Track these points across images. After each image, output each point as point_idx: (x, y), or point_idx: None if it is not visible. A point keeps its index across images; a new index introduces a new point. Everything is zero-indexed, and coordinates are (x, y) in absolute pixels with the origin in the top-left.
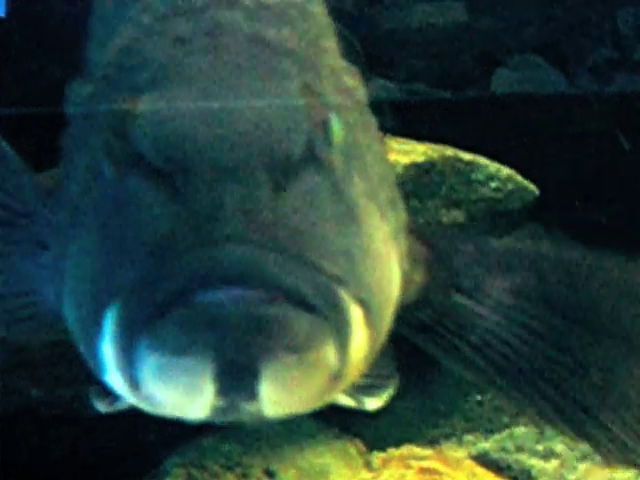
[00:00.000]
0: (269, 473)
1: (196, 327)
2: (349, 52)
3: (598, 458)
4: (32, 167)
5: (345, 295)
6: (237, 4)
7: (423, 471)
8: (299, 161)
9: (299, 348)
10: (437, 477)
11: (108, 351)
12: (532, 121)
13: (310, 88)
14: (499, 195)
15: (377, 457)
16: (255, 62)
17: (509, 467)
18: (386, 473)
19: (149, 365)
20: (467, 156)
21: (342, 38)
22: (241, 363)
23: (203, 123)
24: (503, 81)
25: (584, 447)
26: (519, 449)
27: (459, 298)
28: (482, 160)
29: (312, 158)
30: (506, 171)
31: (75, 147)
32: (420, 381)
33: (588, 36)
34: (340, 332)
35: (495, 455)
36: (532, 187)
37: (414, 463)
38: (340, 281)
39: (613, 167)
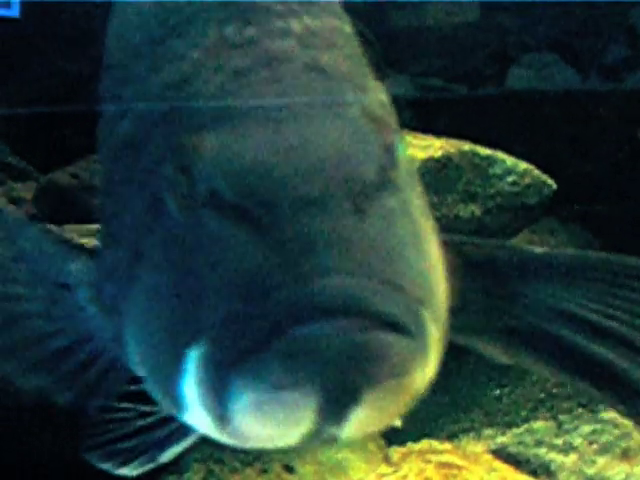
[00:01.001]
0: (288, 468)
1: (301, 360)
2: (367, 49)
3: (617, 452)
4: (48, 163)
5: (426, 314)
6: (288, 32)
7: (442, 465)
8: (375, 186)
9: (399, 372)
10: (456, 471)
11: (191, 390)
12: (549, 117)
13: (371, 112)
14: (516, 189)
15: (396, 452)
16: (316, 91)
17: (528, 461)
18: (405, 468)
19: (246, 401)
20: (484, 151)
21: (360, 35)
22: (346, 392)
23: (279, 156)
24: (518, 78)
25: (603, 440)
26: (538, 443)
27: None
28: (499, 155)
29: (384, 182)
30: (523, 166)
31: (120, 189)
32: (439, 376)
33: (602, 34)
34: (425, 351)
35: (514, 449)
36: (549, 181)
37: (433, 457)
38: (421, 301)
39: (630, 162)
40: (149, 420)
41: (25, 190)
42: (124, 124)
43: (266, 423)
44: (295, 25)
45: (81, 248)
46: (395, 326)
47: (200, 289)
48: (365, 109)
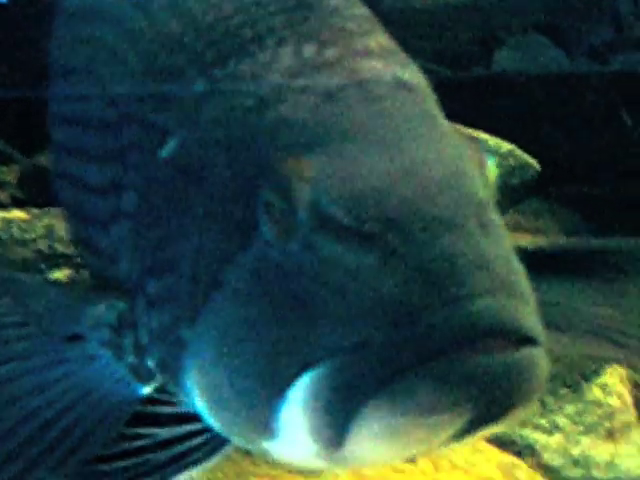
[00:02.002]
0: None
1: (457, 384)
2: None
3: (602, 432)
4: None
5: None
6: (368, 50)
7: None
8: (486, 202)
9: (540, 382)
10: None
11: (297, 415)
12: (534, 99)
13: (459, 130)
14: (500, 170)
15: None
16: (411, 108)
17: (512, 442)
18: None
19: (386, 425)
20: (467, 131)
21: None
22: (496, 412)
23: (396, 177)
24: (505, 60)
25: (587, 421)
26: (522, 423)
27: None
28: (482, 135)
29: (489, 197)
30: (507, 146)
31: (176, 218)
32: None
33: (589, 16)
34: (546, 356)
35: (498, 430)
36: (533, 162)
37: None
38: (535, 309)
39: (614, 143)
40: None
41: (9, 173)
42: (172, 144)
43: (398, 446)
44: (372, 43)
45: (104, 294)
46: (534, 340)
47: (311, 316)
48: (455, 128)
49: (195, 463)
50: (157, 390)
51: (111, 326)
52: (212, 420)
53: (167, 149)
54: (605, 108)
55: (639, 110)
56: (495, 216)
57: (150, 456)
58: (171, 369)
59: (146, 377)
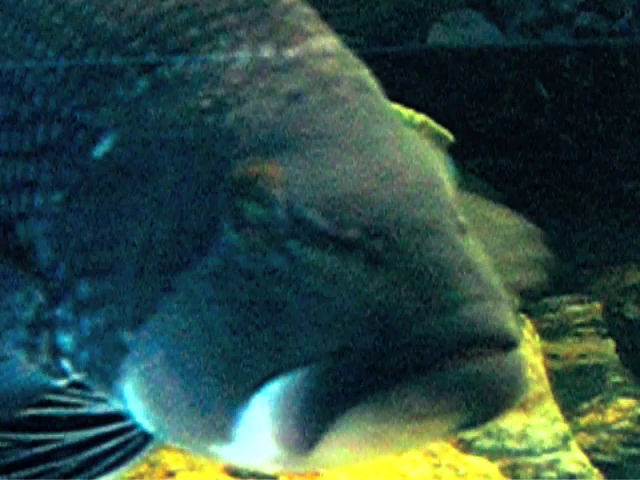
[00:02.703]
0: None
1: (448, 391)
2: None
3: None
4: None
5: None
6: (325, 51)
7: None
8: (456, 206)
9: (526, 382)
10: None
11: (261, 420)
12: (455, 72)
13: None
14: None
15: None
16: (372, 110)
17: None
18: None
19: (361, 431)
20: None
21: None
22: (485, 416)
23: (374, 181)
24: (439, 35)
25: None
26: None
27: None
28: (395, 106)
29: (456, 197)
30: (420, 117)
31: (114, 223)
32: None
33: None
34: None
35: None
36: (447, 133)
37: None
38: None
39: (531, 115)
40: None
41: None
42: (106, 144)
43: (375, 450)
44: (328, 44)
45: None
46: (517, 342)
47: (284, 322)
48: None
49: (110, 468)
50: (63, 392)
51: (28, 325)
52: (151, 424)
53: (100, 148)
54: (523, 82)
55: (556, 82)
56: (464, 217)
57: (57, 463)
58: (103, 372)
59: (59, 376)
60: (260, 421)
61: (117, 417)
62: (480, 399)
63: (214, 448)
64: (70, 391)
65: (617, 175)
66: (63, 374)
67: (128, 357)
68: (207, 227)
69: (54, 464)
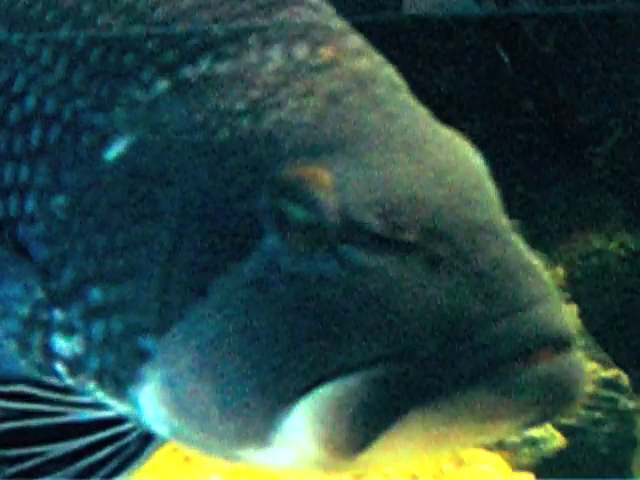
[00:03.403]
0: None
1: (520, 393)
2: None
3: None
4: None
5: None
6: (358, 50)
7: None
8: (500, 205)
9: (586, 380)
10: None
11: (308, 424)
12: (418, 40)
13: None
14: None
15: None
16: (411, 110)
17: None
18: None
19: (422, 433)
20: None
21: None
22: (549, 415)
23: (429, 184)
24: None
25: None
26: None
27: None
28: None
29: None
30: None
31: (137, 228)
32: None
33: None
34: None
35: None
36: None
37: None
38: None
39: (490, 82)
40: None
41: None
42: (119, 147)
43: (432, 450)
44: (357, 42)
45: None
46: (575, 343)
47: (339, 327)
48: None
49: (106, 478)
50: (45, 399)
51: (22, 320)
52: (171, 430)
53: (113, 151)
54: (483, 49)
55: (516, 50)
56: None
57: (46, 479)
58: (116, 378)
59: (51, 377)
60: (305, 425)
61: (109, 423)
62: (547, 399)
63: (246, 453)
64: (54, 397)
65: (580, 140)
66: (56, 376)
67: (150, 362)
68: (245, 231)
69: None
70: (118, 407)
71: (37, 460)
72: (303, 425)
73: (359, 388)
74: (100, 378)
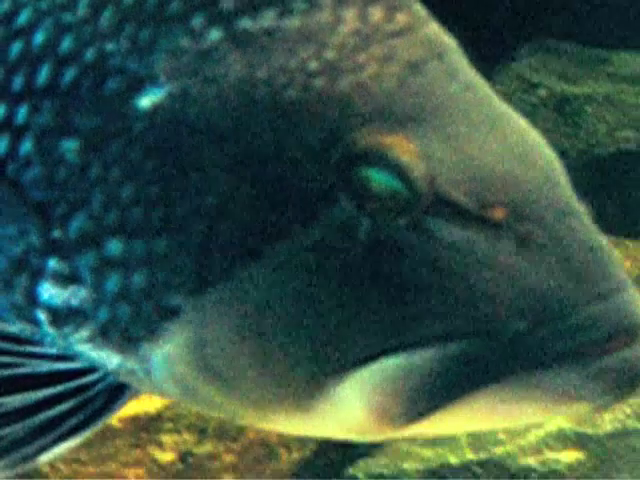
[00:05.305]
0: None
1: (604, 376)
2: None
3: None
4: None
5: None
6: (429, 19)
7: None
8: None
9: None
10: None
11: (360, 390)
12: None
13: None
14: None
15: None
16: (483, 84)
17: None
18: None
19: (494, 408)
20: None
21: None
22: (617, 399)
23: (516, 161)
24: None
25: None
26: None
27: None
28: None
29: None
30: None
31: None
32: None
33: None
34: None
35: None
36: None
37: None
38: None
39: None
40: None
41: None
42: (156, 94)
43: (499, 423)
44: (423, 10)
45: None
46: None
47: (419, 298)
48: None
49: (68, 435)
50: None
51: (10, 259)
52: (190, 392)
53: (147, 99)
54: None
55: None
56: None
57: (3, 431)
58: (128, 332)
59: (28, 322)
60: (360, 393)
61: (72, 375)
62: (621, 384)
63: (278, 417)
64: (7, 347)
65: None
66: (32, 323)
67: (176, 320)
68: (313, 195)
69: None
70: (111, 360)
71: None
72: (357, 394)
73: (431, 361)
74: (105, 331)
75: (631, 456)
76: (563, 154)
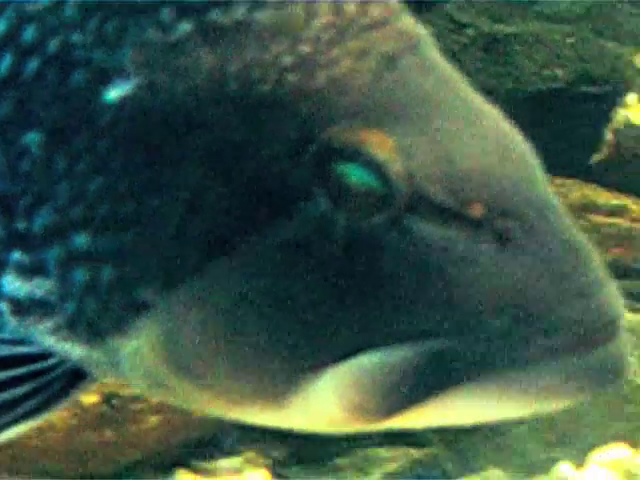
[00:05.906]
0: None
1: (585, 373)
2: None
3: None
4: None
5: None
6: (401, 10)
7: None
8: None
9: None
10: None
11: (337, 386)
12: None
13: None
14: None
15: None
16: (458, 77)
17: None
18: None
19: (476, 404)
20: None
21: None
22: (593, 392)
23: (494, 157)
24: None
25: None
26: None
27: None
28: None
29: None
30: None
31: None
32: None
33: None
34: None
35: None
36: None
37: None
38: None
39: None
40: None
41: None
42: (123, 87)
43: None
44: (397, 3)
45: None
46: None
47: (395, 296)
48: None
49: (25, 417)
50: None
51: None
52: (157, 384)
53: (115, 92)
54: None
55: None
56: None
57: None
58: (95, 326)
59: None
60: (335, 389)
61: (28, 359)
62: (603, 379)
63: (251, 411)
64: None
65: None
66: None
67: (146, 315)
68: (286, 191)
69: None
70: (75, 351)
71: None
72: (332, 389)
73: (407, 358)
74: (72, 324)
75: None
76: (492, 93)
